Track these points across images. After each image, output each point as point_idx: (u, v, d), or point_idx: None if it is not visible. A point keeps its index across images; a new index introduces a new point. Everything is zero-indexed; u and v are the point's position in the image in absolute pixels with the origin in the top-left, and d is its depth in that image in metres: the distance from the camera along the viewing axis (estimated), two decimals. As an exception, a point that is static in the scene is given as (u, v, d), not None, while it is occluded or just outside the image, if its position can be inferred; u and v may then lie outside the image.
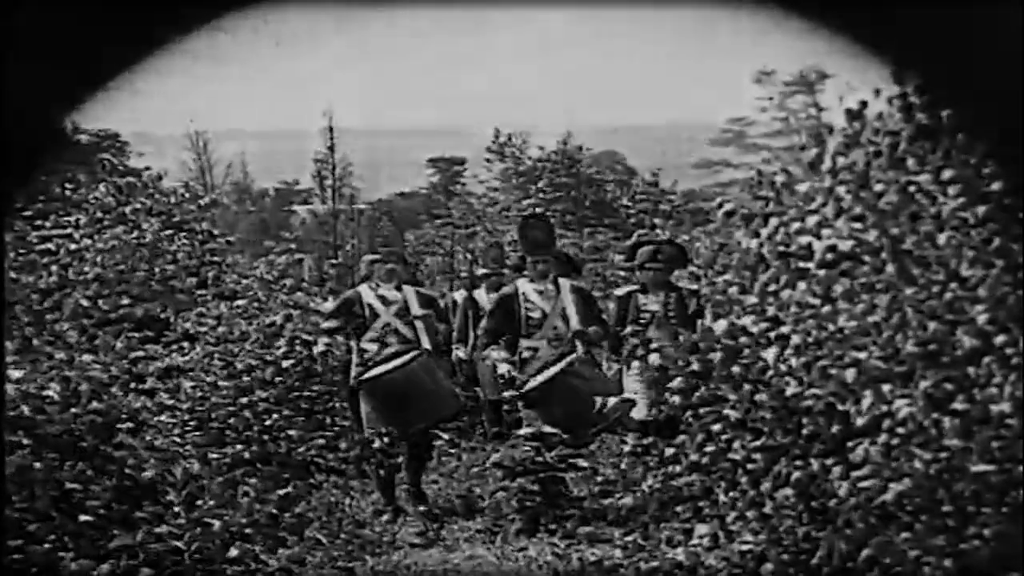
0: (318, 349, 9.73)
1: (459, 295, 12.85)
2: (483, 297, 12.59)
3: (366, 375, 9.08)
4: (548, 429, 8.56)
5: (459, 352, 12.15)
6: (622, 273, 13.82)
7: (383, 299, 9.38)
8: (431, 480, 9.91)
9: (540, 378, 8.72)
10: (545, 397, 8.63)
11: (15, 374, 6.11)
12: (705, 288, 9.66)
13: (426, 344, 9.24)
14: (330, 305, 10.18)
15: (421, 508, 8.91)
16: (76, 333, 7.38)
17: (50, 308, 11.89)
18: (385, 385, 8.93)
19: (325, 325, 9.52)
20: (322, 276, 16.85)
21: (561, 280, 9.30)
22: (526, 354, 9.06)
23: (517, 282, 9.37)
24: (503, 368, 8.98)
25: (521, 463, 8.50)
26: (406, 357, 9.01)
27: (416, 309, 9.33)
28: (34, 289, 12.04)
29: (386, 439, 8.94)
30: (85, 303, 11.90)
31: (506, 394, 9.29)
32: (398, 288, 9.44)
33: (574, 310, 9.10)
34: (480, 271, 13.15)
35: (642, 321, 9.46)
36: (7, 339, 6.52)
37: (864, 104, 4.85)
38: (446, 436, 10.81)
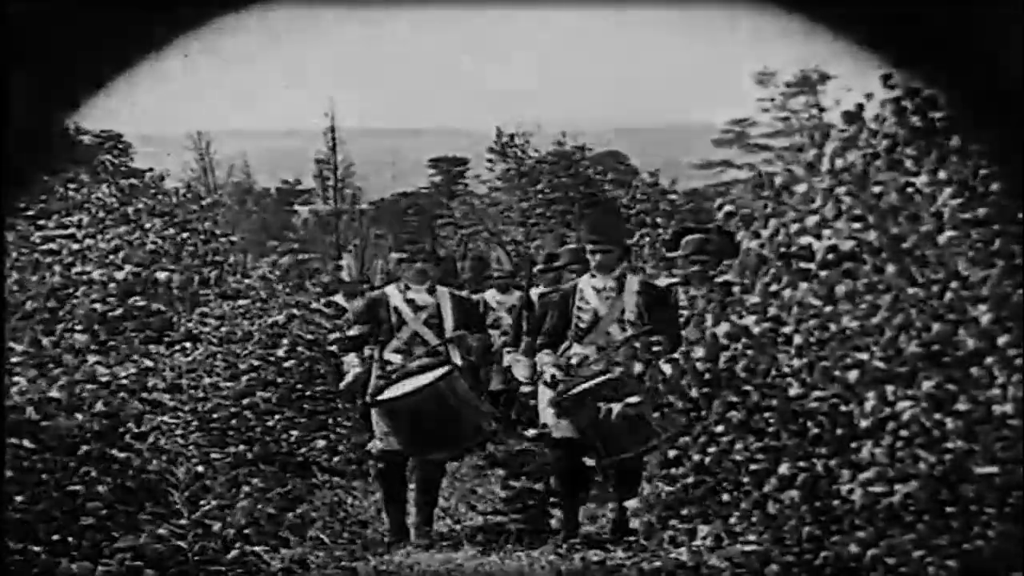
0: (347, 380, 8.49)
1: (489, 295, 12.77)
2: (493, 299, 12.62)
3: (384, 395, 7.96)
4: (570, 435, 7.77)
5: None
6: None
7: (412, 303, 8.20)
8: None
9: (577, 389, 7.70)
10: (579, 408, 7.62)
11: (19, 379, 6.08)
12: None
13: (456, 360, 8.10)
14: (356, 307, 9.17)
15: (421, 538, 8.03)
16: (87, 338, 7.31)
17: (54, 309, 11.91)
18: (406, 407, 7.84)
19: (352, 332, 8.49)
20: (363, 276, 16.62)
21: (629, 277, 8.10)
22: (575, 360, 7.95)
23: (581, 278, 8.18)
24: (548, 373, 7.90)
25: (524, 463, 8.47)
26: (433, 375, 7.87)
27: (450, 323, 8.16)
28: (38, 292, 12.05)
29: (387, 444, 8.05)
30: (98, 306, 11.87)
31: (548, 397, 8.09)
32: (431, 291, 8.27)
33: (635, 315, 7.91)
34: (496, 273, 13.13)
35: (681, 319, 8.12)
36: (15, 341, 6.50)
37: (860, 107, 4.84)
38: None
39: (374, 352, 8.33)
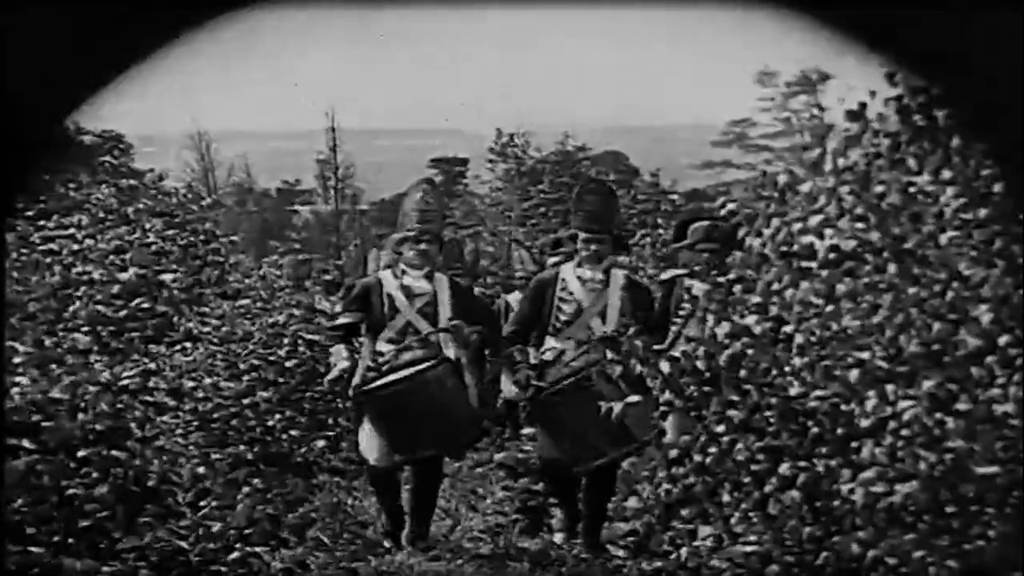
0: (333, 373, 7.68)
1: (511, 297, 12.40)
2: (515, 300, 12.37)
3: (368, 386, 7.46)
4: (553, 456, 7.43)
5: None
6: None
7: (407, 291, 7.59)
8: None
9: (551, 389, 7.35)
10: (552, 413, 7.37)
11: (22, 380, 6.07)
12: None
13: (450, 353, 7.50)
14: (348, 294, 8.41)
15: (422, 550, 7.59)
16: (90, 339, 7.23)
17: (57, 309, 11.93)
18: (389, 399, 7.35)
19: (339, 321, 7.83)
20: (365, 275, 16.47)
21: (615, 271, 7.64)
22: (548, 355, 7.52)
23: (562, 266, 7.77)
24: (521, 372, 7.48)
25: (524, 463, 8.46)
26: (420, 367, 7.38)
27: (446, 313, 7.57)
28: (41, 294, 12.06)
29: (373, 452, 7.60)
30: (101, 308, 11.87)
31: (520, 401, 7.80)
32: (428, 278, 7.66)
33: (617, 309, 7.49)
34: (519, 273, 12.91)
35: (682, 312, 7.51)
36: (18, 341, 6.50)
37: (863, 105, 4.83)
38: None
39: (364, 343, 7.75)
